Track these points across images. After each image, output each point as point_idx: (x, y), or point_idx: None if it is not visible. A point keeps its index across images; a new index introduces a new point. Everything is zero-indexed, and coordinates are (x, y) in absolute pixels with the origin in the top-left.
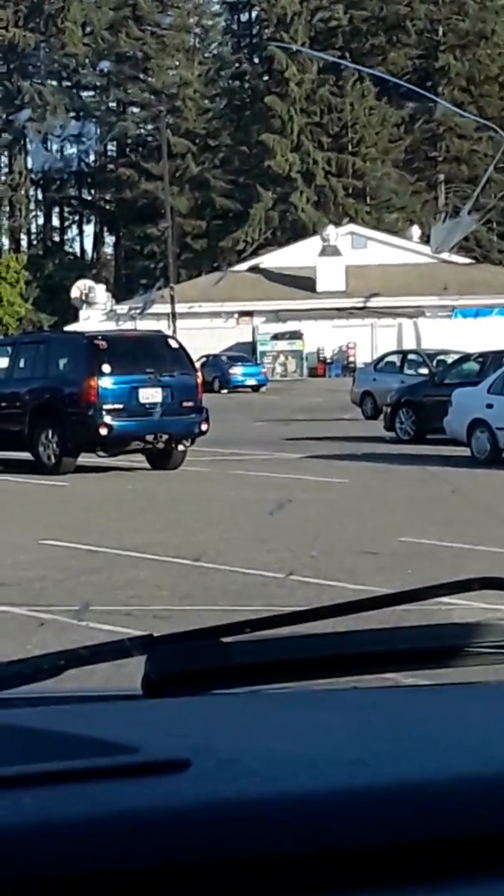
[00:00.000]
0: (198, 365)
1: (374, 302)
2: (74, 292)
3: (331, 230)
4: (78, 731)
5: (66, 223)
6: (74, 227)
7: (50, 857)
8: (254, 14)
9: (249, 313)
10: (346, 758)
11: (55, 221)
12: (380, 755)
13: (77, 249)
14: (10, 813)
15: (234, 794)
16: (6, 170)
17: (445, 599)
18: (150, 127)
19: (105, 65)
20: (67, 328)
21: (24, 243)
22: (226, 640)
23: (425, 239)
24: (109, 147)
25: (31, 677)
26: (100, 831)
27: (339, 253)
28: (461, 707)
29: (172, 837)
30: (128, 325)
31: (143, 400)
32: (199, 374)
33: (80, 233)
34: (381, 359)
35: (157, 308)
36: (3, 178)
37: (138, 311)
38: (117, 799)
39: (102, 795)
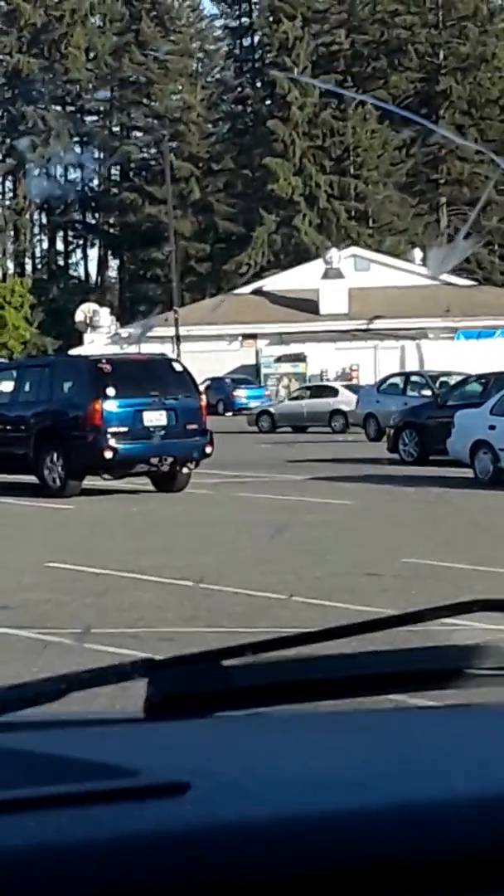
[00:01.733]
0: (202, 388)
1: (377, 324)
2: (79, 316)
3: (333, 253)
4: (78, 755)
5: (71, 247)
6: (79, 251)
7: (49, 880)
8: (256, 39)
9: (253, 336)
10: (345, 780)
11: (59, 245)
12: (380, 777)
13: (81, 273)
14: (10, 836)
15: (233, 817)
16: (11, 194)
17: (448, 620)
18: (153, 151)
19: (104, 94)
20: (72, 352)
21: (28, 267)
22: (227, 662)
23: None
24: (113, 171)
25: (32, 701)
26: (99, 854)
27: (341, 275)
28: (462, 729)
29: (172, 861)
30: (132, 349)
31: (147, 423)
32: (203, 396)
33: (85, 257)
34: (384, 381)
35: (161, 331)
36: (7, 202)
37: (139, 335)
38: (117, 822)
39: (102, 819)
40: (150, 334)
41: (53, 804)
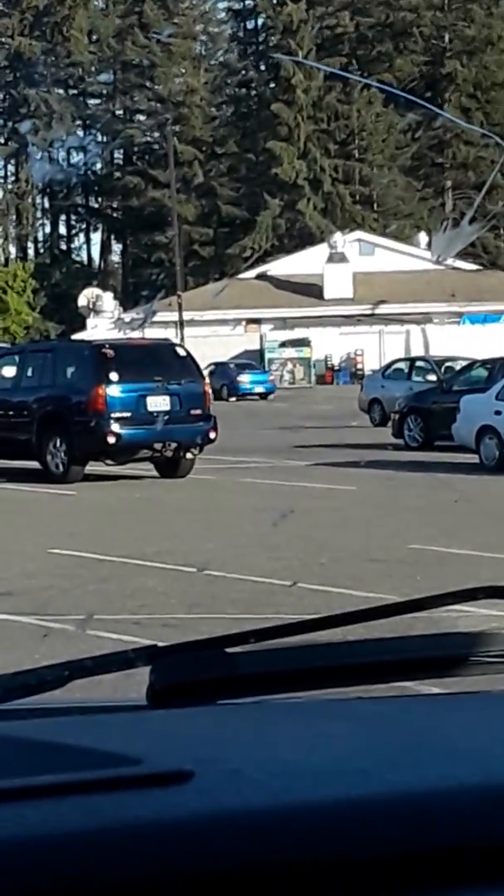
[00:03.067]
0: (205, 373)
1: (382, 309)
2: (82, 301)
3: (338, 237)
4: (82, 743)
5: (73, 231)
6: (81, 235)
7: (53, 869)
8: (260, 21)
9: (257, 321)
10: (349, 768)
11: (62, 230)
12: (383, 765)
13: (84, 258)
14: (13, 825)
15: (237, 805)
16: (13, 178)
17: (454, 607)
18: (156, 135)
19: (107, 77)
20: (75, 337)
21: (31, 252)
22: (231, 650)
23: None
24: (116, 155)
25: (35, 688)
26: (103, 843)
27: (346, 260)
28: (466, 716)
29: (175, 848)
30: (135, 334)
31: (150, 408)
32: (207, 381)
33: (88, 241)
34: (389, 366)
35: (165, 316)
36: (9, 186)
37: (141, 320)
38: (120, 810)
39: (105, 807)
40: (153, 319)
41: (57, 793)
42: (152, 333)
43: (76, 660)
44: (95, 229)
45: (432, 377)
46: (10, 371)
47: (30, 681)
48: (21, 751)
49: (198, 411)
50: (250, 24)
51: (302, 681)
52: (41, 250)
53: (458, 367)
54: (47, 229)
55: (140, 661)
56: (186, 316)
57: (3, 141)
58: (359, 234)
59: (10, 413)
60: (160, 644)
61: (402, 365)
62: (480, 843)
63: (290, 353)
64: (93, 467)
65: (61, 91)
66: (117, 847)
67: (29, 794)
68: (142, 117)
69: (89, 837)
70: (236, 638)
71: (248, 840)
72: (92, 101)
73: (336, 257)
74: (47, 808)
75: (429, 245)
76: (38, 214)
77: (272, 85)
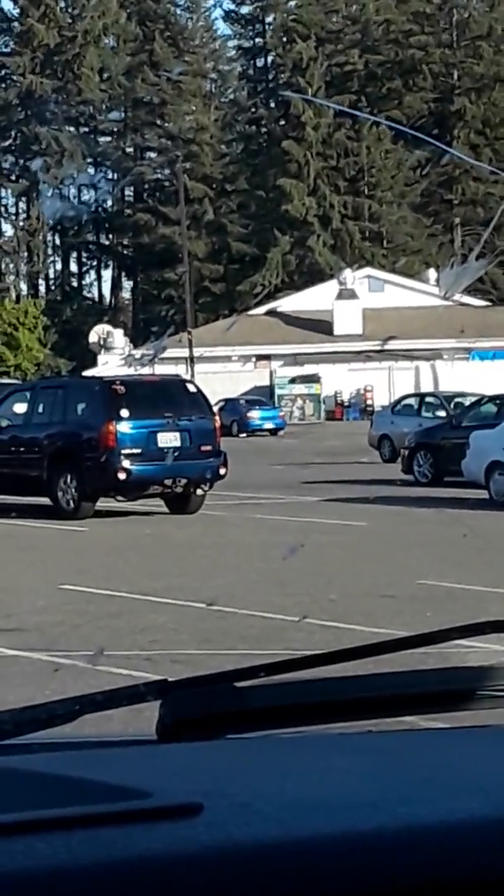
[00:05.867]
0: (216, 409)
1: (392, 345)
2: (92, 337)
3: (347, 273)
4: (91, 777)
5: (84, 268)
6: (92, 272)
7: None
8: (269, 59)
9: (267, 357)
10: (358, 801)
11: (73, 267)
12: (392, 798)
13: (95, 294)
14: (24, 858)
15: (246, 838)
16: (24, 215)
17: (464, 642)
18: (166, 172)
19: (117, 115)
20: (85, 373)
21: (42, 289)
22: (240, 684)
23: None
24: (126, 192)
25: (46, 723)
26: (112, 876)
27: (355, 296)
28: (475, 750)
29: (185, 882)
30: (145, 370)
31: (161, 444)
32: (217, 417)
33: (98, 278)
34: (398, 402)
35: (175, 352)
36: (20, 223)
37: (149, 357)
38: (130, 844)
39: (115, 840)
40: (163, 355)
41: (66, 826)
42: (162, 369)
43: (86, 694)
44: (106, 266)
45: (442, 413)
46: (21, 407)
47: (40, 715)
48: (31, 784)
49: (208, 447)
50: (260, 62)
51: (311, 715)
52: (52, 287)
53: (467, 403)
54: (58, 266)
55: (150, 695)
56: (196, 352)
57: (14, 178)
58: (368, 270)
59: (21, 449)
60: (170, 679)
61: (411, 401)
62: (490, 876)
63: (300, 389)
64: (103, 503)
65: (72, 129)
66: (127, 880)
67: (39, 828)
68: (152, 154)
69: (99, 871)
70: (246, 672)
71: (258, 873)
72: (102, 139)
73: (346, 293)
74: (57, 842)
75: (437, 281)
76: (50, 252)
77: (282, 122)
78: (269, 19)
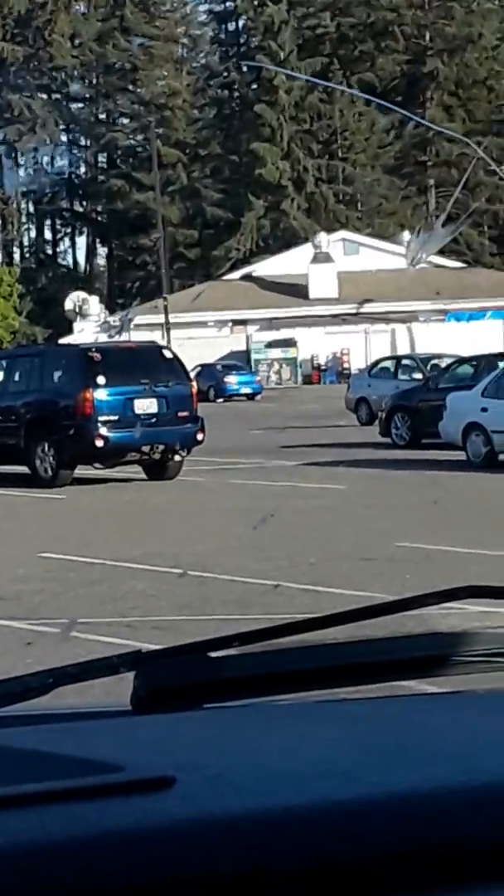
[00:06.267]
0: (192, 374)
1: (367, 308)
2: (68, 305)
3: (322, 237)
4: (64, 751)
5: (59, 235)
6: (67, 239)
7: (35, 877)
8: (241, 23)
9: (243, 322)
10: (332, 770)
11: (47, 234)
12: (366, 767)
13: (70, 262)
14: None
15: (218, 810)
16: None
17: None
18: (139, 138)
19: (88, 81)
20: (61, 341)
21: (16, 257)
22: (215, 654)
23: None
24: (100, 158)
25: (20, 696)
26: (84, 852)
27: (330, 259)
28: (450, 716)
29: (157, 855)
30: (122, 337)
31: (138, 411)
32: (194, 383)
33: (73, 245)
34: (375, 364)
35: (151, 318)
36: None
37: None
38: (102, 818)
39: (87, 815)
40: (139, 322)
41: (37, 801)
42: (138, 336)
43: (60, 667)
44: (81, 233)
45: (418, 375)
46: None
47: (14, 689)
48: (2, 760)
49: (185, 413)
50: (231, 26)
51: (286, 683)
52: (27, 255)
53: (443, 365)
54: (32, 234)
55: (124, 666)
56: (172, 318)
57: None
58: (343, 233)
59: None
60: (145, 649)
61: (388, 363)
62: (464, 843)
63: (277, 353)
64: (81, 471)
65: (44, 96)
66: (99, 855)
67: (10, 803)
68: (125, 120)
69: (71, 845)
70: (220, 642)
71: (231, 845)
72: (74, 106)
73: (321, 257)
74: (28, 817)
75: (406, 247)
76: (24, 219)
77: (254, 86)
78: None
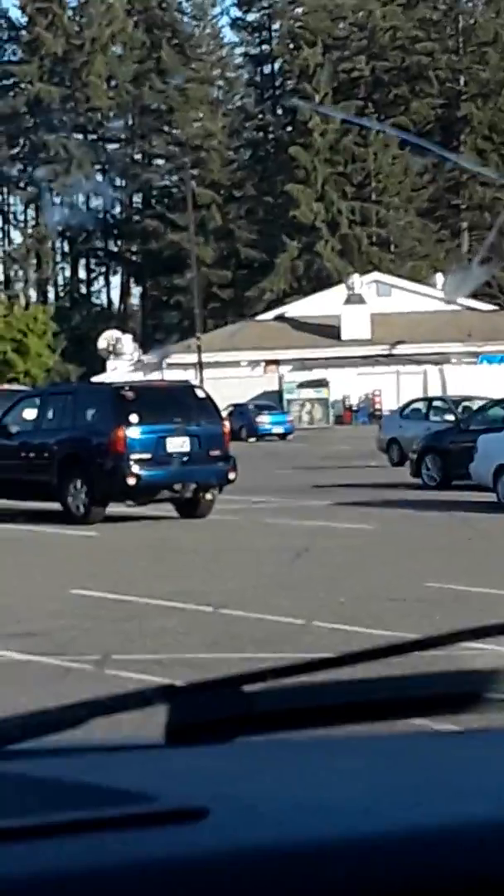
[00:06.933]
0: (225, 414)
1: (399, 349)
2: (101, 343)
3: (355, 279)
4: (98, 781)
5: (93, 275)
6: (101, 278)
7: None
8: (276, 66)
9: (276, 362)
10: (362, 805)
11: (82, 273)
12: (394, 802)
13: (104, 301)
14: (28, 863)
15: (249, 842)
16: (33, 223)
17: (472, 644)
18: (174, 178)
19: (124, 122)
20: (95, 379)
21: (51, 295)
22: (247, 688)
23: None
24: (135, 199)
25: (53, 728)
26: (115, 881)
27: (363, 301)
28: (478, 754)
29: (189, 886)
30: (155, 376)
31: (170, 449)
32: (226, 422)
33: (107, 284)
34: (406, 405)
35: (184, 358)
36: (29, 230)
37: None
38: (135, 848)
39: (120, 845)
40: (172, 361)
41: (71, 830)
42: (172, 375)
43: (93, 699)
44: (115, 273)
45: (450, 417)
46: (31, 413)
47: (47, 720)
48: (37, 789)
49: (217, 452)
50: (267, 69)
51: (318, 718)
52: (61, 294)
53: (475, 407)
54: (67, 273)
55: (157, 699)
56: (205, 357)
57: (22, 186)
58: (376, 275)
59: (32, 455)
60: (178, 683)
61: (419, 405)
62: (491, 880)
63: (309, 393)
64: (114, 508)
65: (80, 136)
66: (131, 884)
67: (43, 833)
68: (160, 161)
69: (102, 875)
70: (253, 676)
71: (261, 878)
72: (110, 146)
73: (353, 298)
74: (61, 846)
75: (441, 287)
76: (58, 258)
77: (289, 128)
78: (275, 26)
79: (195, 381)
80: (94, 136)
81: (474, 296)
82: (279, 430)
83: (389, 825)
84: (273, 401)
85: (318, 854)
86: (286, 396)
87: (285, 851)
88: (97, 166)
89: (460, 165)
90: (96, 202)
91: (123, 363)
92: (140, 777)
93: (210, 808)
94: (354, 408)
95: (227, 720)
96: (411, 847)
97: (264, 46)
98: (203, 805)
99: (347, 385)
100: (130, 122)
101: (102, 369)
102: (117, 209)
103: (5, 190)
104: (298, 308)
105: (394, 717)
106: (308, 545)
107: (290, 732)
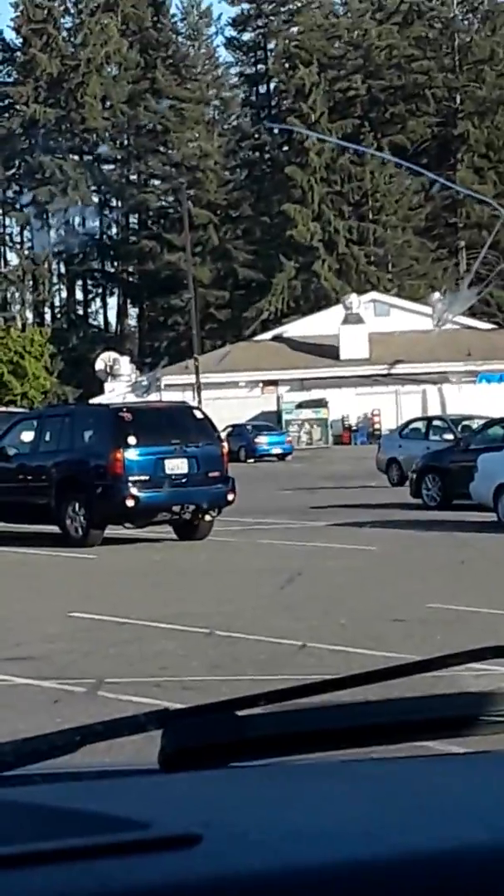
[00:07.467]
0: (223, 435)
1: (398, 368)
2: (99, 364)
3: (353, 298)
4: (91, 808)
5: (90, 296)
6: (98, 299)
7: None
8: (272, 86)
9: (274, 382)
10: (356, 830)
11: (78, 294)
12: (390, 827)
13: (101, 322)
14: (22, 891)
15: (243, 869)
16: (29, 244)
17: (473, 666)
18: (170, 199)
19: (118, 143)
20: (92, 400)
21: (48, 317)
22: (242, 713)
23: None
24: (131, 219)
25: (47, 754)
26: None
27: (361, 321)
28: (475, 777)
29: None
30: (152, 397)
31: (168, 471)
32: (225, 443)
33: (104, 305)
34: (406, 425)
35: (182, 378)
36: (25, 252)
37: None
38: (128, 875)
39: (113, 871)
40: (169, 381)
41: (64, 858)
42: (169, 396)
43: (88, 725)
44: (111, 294)
45: (449, 436)
46: (28, 436)
47: (41, 746)
48: (30, 816)
49: (216, 473)
50: (262, 89)
51: (313, 743)
52: (58, 315)
53: (474, 426)
54: (63, 294)
55: (151, 725)
56: (203, 378)
57: (18, 208)
58: (374, 294)
59: (29, 477)
60: (173, 707)
61: (419, 424)
62: None
63: (307, 414)
64: (112, 530)
65: (76, 157)
66: None
67: (37, 860)
68: (156, 182)
69: None
70: (247, 701)
71: None
72: (106, 167)
73: (351, 318)
74: (55, 874)
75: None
76: (55, 280)
77: (285, 148)
78: (270, 46)
79: (193, 402)
80: (90, 157)
81: (472, 314)
82: (278, 450)
83: (384, 851)
84: (271, 421)
85: (311, 880)
86: (285, 417)
87: (279, 878)
88: (93, 187)
89: (452, 187)
90: (92, 223)
91: (121, 384)
92: (134, 803)
93: (203, 835)
94: (353, 428)
95: (221, 745)
96: (406, 873)
97: (259, 66)
98: (196, 831)
99: (346, 405)
100: (126, 143)
101: (100, 391)
102: (113, 230)
103: (1, 211)
104: (296, 328)
105: (389, 742)
106: (305, 568)
107: (284, 757)
